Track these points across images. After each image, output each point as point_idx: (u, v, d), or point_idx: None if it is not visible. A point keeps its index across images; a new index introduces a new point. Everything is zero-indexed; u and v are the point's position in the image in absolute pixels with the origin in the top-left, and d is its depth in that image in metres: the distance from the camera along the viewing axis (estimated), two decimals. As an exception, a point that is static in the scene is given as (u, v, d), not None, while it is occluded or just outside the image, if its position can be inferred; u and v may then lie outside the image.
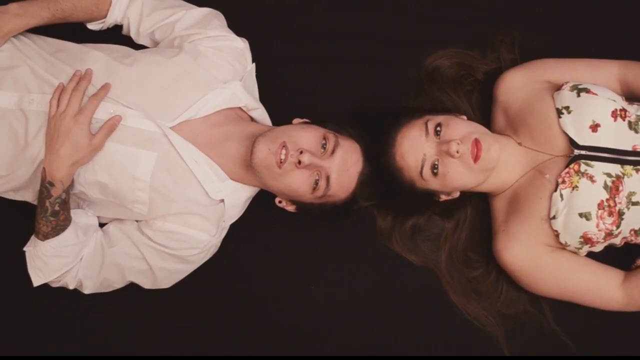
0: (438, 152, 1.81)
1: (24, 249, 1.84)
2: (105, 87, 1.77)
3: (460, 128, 1.81)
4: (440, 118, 1.84)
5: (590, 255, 1.90)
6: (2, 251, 2.01)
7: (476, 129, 1.84)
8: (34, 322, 2.00)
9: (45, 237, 1.77)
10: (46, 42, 1.92)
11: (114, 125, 1.75)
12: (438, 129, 1.81)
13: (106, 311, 2.00)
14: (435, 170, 1.81)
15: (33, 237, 1.81)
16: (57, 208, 1.75)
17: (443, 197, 1.92)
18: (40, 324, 2.00)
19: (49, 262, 1.80)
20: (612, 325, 1.95)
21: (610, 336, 1.96)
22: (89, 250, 1.84)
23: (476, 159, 1.78)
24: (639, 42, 2.14)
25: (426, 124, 1.83)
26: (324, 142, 1.79)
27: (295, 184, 1.78)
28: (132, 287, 1.92)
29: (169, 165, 1.79)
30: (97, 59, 1.84)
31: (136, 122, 1.79)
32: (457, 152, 1.76)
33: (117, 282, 1.90)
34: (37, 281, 1.84)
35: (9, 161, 1.81)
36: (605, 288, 1.88)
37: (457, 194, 1.92)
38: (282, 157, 1.75)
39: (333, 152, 1.78)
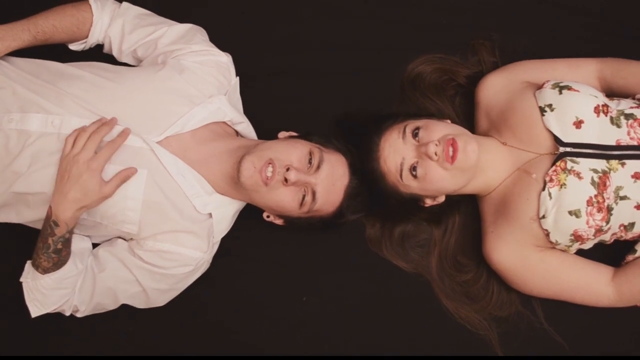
0: (418, 155, 1.81)
1: (21, 280, 1.80)
2: (123, 134, 1.73)
3: (438, 130, 1.82)
4: (420, 122, 1.85)
5: (580, 252, 1.91)
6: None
7: (454, 131, 1.84)
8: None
9: (45, 271, 1.75)
10: (28, 63, 1.91)
11: (127, 177, 1.72)
12: (416, 131, 1.82)
13: (96, 338, 2.00)
14: (414, 173, 1.82)
15: (31, 270, 1.77)
16: (60, 246, 1.72)
17: (428, 202, 1.92)
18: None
19: (50, 294, 1.78)
20: (605, 322, 1.95)
21: (604, 334, 1.97)
22: (81, 277, 1.83)
23: (453, 159, 1.78)
24: (617, 40, 2.17)
25: (405, 127, 1.84)
26: (310, 157, 1.79)
27: (283, 200, 1.79)
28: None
29: (159, 180, 1.78)
30: (81, 76, 1.83)
31: None
32: (435, 153, 1.77)
33: (110, 305, 1.89)
34: (35, 312, 1.82)
35: None
36: (595, 285, 1.89)
37: (442, 199, 1.92)
38: (269, 174, 1.75)
39: (319, 167, 1.79)
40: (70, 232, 1.73)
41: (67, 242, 1.74)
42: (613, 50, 2.06)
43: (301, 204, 1.79)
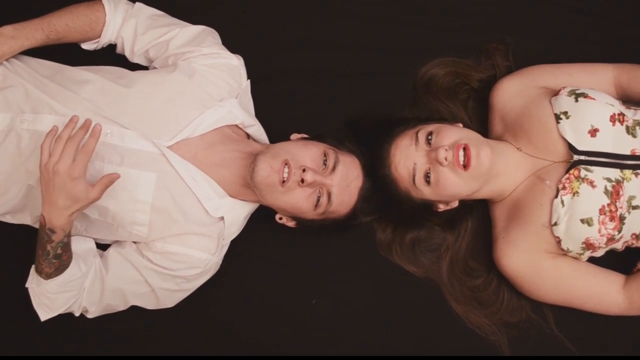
0: (429, 161, 1.81)
1: (27, 286, 1.81)
2: (94, 134, 1.64)
3: (450, 135, 1.81)
4: (432, 126, 1.85)
5: (591, 259, 1.90)
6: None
7: (466, 135, 1.83)
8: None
9: (48, 276, 1.74)
10: (41, 64, 1.92)
11: (110, 181, 1.68)
12: (429, 137, 1.82)
13: (104, 338, 2.02)
14: (428, 179, 1.81)
15: (35, 276, 1.77)
16: (59, 251, 1.71)
17: (442, 207, 1.92)
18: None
19: (55, 298, 1.78)
20: (615, 329, 1.95)
21: (614, 340, 1.96)
22: (89, 278, 1.83)
23: (467, 166, 1.78)
24: (632, 45, 2.16)
25: (417, 133, 1.83)
26: (324, 158, 1.79)
27: (298, 202, 1.78)
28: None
29: (169, 184, 1.79)
30: (93, 80, 1.84)
31: (134, 142, 1.78)
32: (446, 159, 1.76)
33: (120, 306, 1.89)
34: (44, 316, 1.82)
35: (1, 182, 1.80)
36: (606, 293, 1.88)
37: (455, 204, 1.92)
38: (285, 175, 1.74)
39: (334, 168, 1.79)
40: (68, 236, 1.71)
41: (66, 246, 1.72)
42: (628, 56, 2.06)
43: (316, 206, 1.78)
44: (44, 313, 1.82)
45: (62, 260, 1.73)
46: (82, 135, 1.65)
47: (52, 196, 1.64)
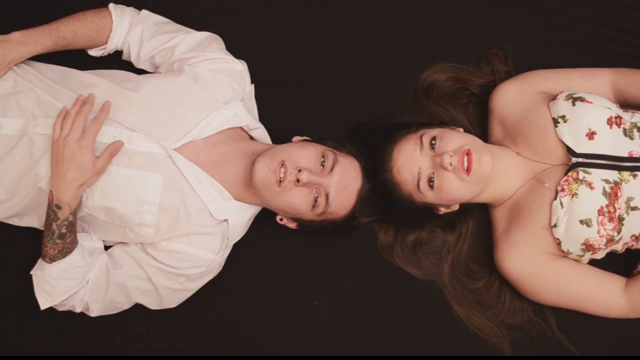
0: (433, 165, 1.82)
1: (31, 272, 1.84)
2: (104, 108, 1.77)
3: (453, 140, 1.83)
4: (435, 131, 1.86)
5: (592, 262, 1.91)
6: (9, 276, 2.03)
7: (469, 141, 1.85)
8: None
9: (52, 259, 1.78)
10: (49, 69, 1.95)
11: (115, 150, 1.76)
12: (433, 142, 1.83)
13: (106, 338, 2.03)
14: (431, 184, 1.83)
15: (40, 261, 1.81)
16: (64, 230, 1.75)
17: (443, 210, 1.93)
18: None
19: (56, 284, 1.81)
20: (617, 332, 1.95)
21: (616, 342, 1.97)
22: (94, 272, 1.85)
23: (468, 170, 1.79)
24: (630, 50, 2.18)
25: (421, 137, 1.85)
26: (322, 159, 1.81)
27: (295, 202, 1.81)
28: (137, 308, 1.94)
29: (176, 186, 1.81)
30: (101, 84, 1.86)
31: (141, 144, 1.81)
32: (450, 164, 1.78)
33: (123, 304, 1.91)
34: (44, 304, 1.84)
35: (10, 185, 1.83)
36: (607, 295, 1.89)
37: (456, 207, 1.93)
38: (282, 175, 1.77)
39: (332, 169, 1.81)
40: (74, 215, 1.76)
41: (71, 226, 1.77)
42: (625, 61, 2.08)
43: (314, 206, 1.81)
44: (44, 301, 1.84)
45: (66, 242, 1.77)
46: (88, 109, 1.77)
47: (61, 169, 1.72)
